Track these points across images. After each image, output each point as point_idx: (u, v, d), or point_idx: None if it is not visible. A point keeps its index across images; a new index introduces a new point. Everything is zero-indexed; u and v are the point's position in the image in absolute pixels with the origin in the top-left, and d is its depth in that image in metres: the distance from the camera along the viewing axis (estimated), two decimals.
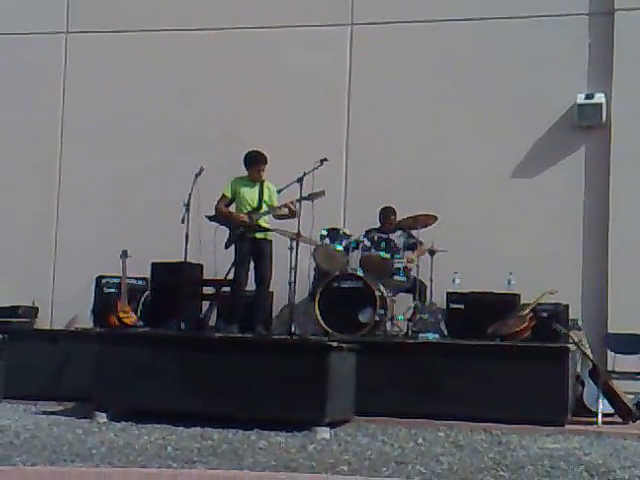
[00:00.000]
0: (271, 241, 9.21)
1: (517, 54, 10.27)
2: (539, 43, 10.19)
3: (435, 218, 9.38)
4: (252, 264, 9.18)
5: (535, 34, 10.20)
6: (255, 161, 9.22)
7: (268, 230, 9.18)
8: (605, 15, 10.10)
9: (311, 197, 8.85)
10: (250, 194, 9.21)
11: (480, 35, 10.34)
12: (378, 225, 9.79)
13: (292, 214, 9.01)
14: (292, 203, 8.94)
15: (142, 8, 11.19)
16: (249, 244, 9.11)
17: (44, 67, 11.39)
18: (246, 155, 9.27)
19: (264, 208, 9.20)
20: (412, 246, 9.61)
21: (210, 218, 9.22)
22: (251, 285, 9.20)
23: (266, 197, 9.22)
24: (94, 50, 11.25)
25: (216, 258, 9.19)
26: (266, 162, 9.22)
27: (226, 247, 9.16)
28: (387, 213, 9.77)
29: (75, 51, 11.39)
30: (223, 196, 9.25)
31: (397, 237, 9.65)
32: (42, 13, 11.42)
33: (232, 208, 9.29)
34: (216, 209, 9.25)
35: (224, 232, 9.18)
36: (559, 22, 10.16)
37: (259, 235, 9.16)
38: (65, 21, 11.45)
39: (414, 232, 9.52)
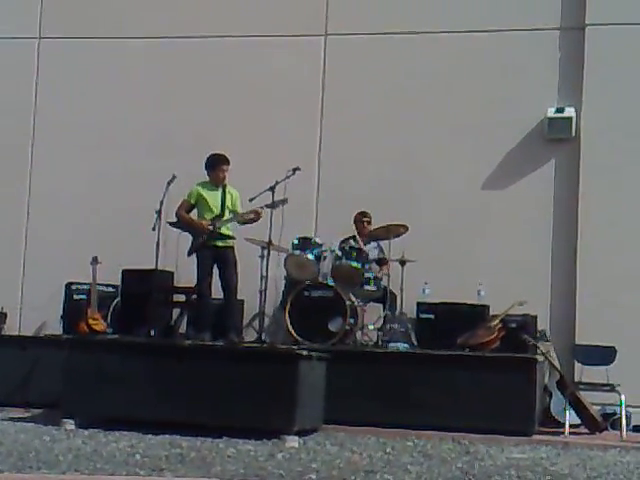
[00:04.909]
0: (233, 247, 9.13)
1: (489, 67, 10.35)
2: (511, 57, 10.29)
3: (406, 228, 9.44)
4: (216, 272, 9.07)
5: (507, 48, 10.28)
6: (217, 162, 9.12)
7: (229, 237, 9.10)
8: (576, 30, 10.20)
9: (274, 205, 8.82)
10: (212, 199, 9.10)
11: (452, 48, 10.40)
12: (353, 231, 9.80)
13: (257, 217, 8.96)
14: (258, 209, 8.90)
15: (115, 15, 11.16)
16: (211, 252, 9.01)
17: (16, 72, 11.32)
18: (207, 158, 9.17)
19: (227, 214, 9.10)
20: (381, 261, 9.70)
21: (172, 224, 9.15)
22: (217, 292, 9.12)
23: (229, 203, 9.13)
24: (67, 56, 11.19)
25: (178, 265, 9.11)
26: (228, 163, 9.14)
27: (189, 254, 9.07)
28: (360, 217, 9.82)
29: (48, 57, 11.32)
30: (184, 202, 9.13)
31: (371, 249, 9.71)
32: (15, 18, 11.36)
33: (194, 214, 9.19)
34: (177, 215, 9.16)
35: (187, 238, 9.11)
36: (531, 36, 10.25)
37: (220, 243, 9.06)
38: (38, 27, 11.40)
39: (385, 243, 9.56)
